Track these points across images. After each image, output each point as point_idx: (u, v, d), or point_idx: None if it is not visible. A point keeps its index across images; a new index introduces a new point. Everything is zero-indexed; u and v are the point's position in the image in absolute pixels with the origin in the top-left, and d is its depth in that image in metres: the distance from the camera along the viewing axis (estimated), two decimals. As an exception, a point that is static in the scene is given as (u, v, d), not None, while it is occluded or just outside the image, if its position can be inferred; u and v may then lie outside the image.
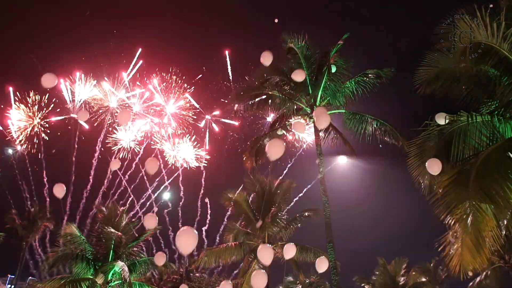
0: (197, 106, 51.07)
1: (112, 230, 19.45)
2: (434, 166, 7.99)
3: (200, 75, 51.03)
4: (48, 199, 44.96)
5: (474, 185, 6.94)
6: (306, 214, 21.99)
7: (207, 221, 55.20)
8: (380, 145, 16.92)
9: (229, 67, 52.07)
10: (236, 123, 51.44)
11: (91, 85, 47.41)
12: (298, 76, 11.70)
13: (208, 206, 54.64)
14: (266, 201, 22.33)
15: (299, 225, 21.89)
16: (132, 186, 54.62)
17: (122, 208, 22.49)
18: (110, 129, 49.57)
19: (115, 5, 53.61)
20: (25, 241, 38.63)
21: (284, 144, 7.68)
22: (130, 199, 53.52)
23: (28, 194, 49.17)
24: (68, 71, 47.67)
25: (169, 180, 54.78)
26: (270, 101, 18.18)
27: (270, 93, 18.11)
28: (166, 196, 54.62)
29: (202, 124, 52.46)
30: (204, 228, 54.98)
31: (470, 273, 7.55)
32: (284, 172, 53.06)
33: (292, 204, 22.30)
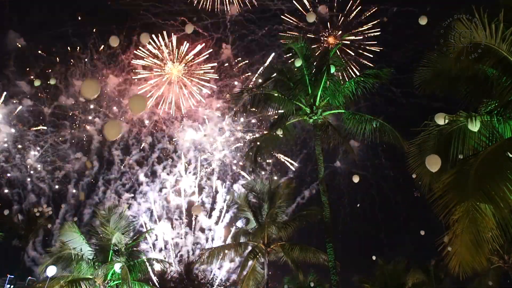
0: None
1: (112, 229, 19.42)
2: (433, 163, 7.97)
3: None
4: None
5: (473, 185, 6.93)
6: (306, 214, 22.01)
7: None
8: (379, 145, 16.96)
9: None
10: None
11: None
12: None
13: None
14: (265, 201, 22.36)
15: (298, 224, 21.92)
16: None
17: (123, 206, 22.46)
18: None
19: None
20: (24, 241, 38.55)
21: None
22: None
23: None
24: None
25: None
26: (269, 101, 18.16)
27: (269, 93, 18.10)
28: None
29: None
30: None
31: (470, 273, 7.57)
32: (288, 172, 53.41)
33: (294, 204, 22.29)
